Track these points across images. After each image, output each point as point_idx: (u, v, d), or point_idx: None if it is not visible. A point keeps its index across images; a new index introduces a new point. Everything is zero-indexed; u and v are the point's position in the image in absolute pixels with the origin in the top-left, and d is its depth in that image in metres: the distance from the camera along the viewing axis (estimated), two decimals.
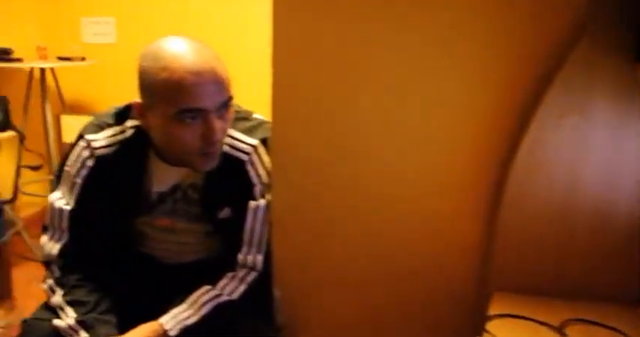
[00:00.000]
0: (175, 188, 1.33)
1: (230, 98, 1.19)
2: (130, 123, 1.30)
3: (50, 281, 1.29)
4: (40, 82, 3.20)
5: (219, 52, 1.19)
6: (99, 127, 1.31)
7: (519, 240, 1.15)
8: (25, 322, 1.28)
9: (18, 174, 3.14)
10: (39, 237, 1.37)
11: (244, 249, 1.31)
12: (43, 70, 3.19)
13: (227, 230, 1.33)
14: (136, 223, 1.38)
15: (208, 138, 1.16)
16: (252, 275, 1.30)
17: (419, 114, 1.15)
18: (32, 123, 3.27)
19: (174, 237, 1.39)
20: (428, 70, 1.12)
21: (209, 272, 1.32)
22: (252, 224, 1.30)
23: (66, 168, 1.32)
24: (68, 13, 3.70)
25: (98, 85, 3.71)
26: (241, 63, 2.71)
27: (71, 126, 3.00)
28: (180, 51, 1.14)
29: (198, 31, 3.38)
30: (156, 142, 1.26)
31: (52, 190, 1.36)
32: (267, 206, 1.30)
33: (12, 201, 3.11)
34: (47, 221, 1.34)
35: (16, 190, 3.12)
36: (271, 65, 1.18)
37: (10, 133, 2.96)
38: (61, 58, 3.39)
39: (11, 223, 3.29)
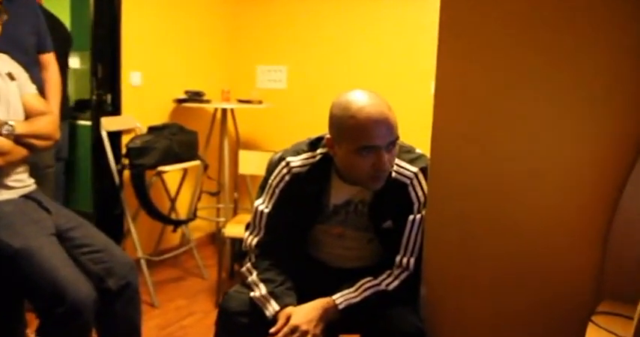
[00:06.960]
0: (349, 202, 1.70)
1: (397, 138, 1.56)
2: (319, 150, 1.70)
3: (248, 265, 1.71)
4: (221, 121, 3.82)
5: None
6: (297, 152, 1.73)
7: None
8: (226, 294, 1.70)
9: (199, 198, 3.69)
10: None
11: (401, 253, 1.63)
12: (224, 110, 3.80)
13: (388, 238, 1.67)
14: (314, 229, 1.77)
15: (378, 166, 1.54)
16: (405, 274, 1.62)
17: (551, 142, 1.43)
18: (210, 155, 3.90)
19: (342, 243, 1.76)
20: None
21: (369, 274, 1.65)
22: (410, 233, 1.63)
23: (269, 182, 1.74)
24: (246, 61, 4.43)
25: (271, 126, 4.39)
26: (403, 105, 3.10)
27: (247, 159, 3.51)
28: (362, 103, 1.52)
29: (362, 78, 3.90)
30: (338, 166, 1.65)
31: (257, 198, 1.79)
32: (422, 220, 1.63)
33: (191, 220, 3.66)
34: (250, 220, 1.77)
35: (195, 211, 3.66)
36: (433, 108, 1.53)
37: (196, 162, 3.54)
38: (241, 101, 4.00)
39: (186, 241, 3.85)
